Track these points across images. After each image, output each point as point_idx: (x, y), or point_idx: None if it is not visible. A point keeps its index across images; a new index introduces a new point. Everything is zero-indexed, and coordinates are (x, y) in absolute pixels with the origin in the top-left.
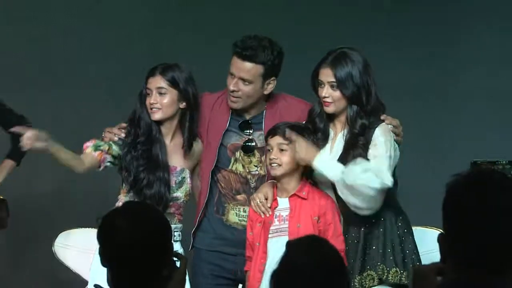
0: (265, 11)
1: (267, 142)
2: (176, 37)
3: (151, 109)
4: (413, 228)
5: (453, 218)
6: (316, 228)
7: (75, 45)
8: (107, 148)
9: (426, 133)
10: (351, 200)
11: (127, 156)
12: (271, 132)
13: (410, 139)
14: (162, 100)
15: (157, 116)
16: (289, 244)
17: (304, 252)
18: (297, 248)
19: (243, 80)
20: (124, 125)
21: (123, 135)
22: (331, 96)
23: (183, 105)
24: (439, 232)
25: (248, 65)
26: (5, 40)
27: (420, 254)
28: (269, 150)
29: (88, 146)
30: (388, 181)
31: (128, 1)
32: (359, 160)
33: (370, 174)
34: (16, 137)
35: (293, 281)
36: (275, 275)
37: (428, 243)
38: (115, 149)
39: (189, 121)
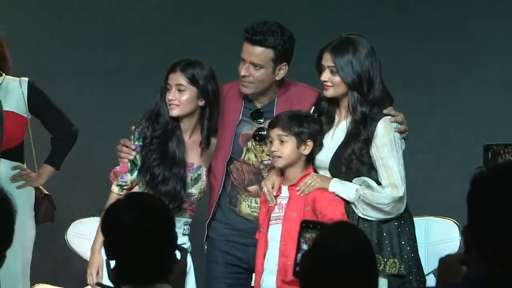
0: (278, 2)
1: (269, 134)
2: (190, 28)
3: (170, 105)
4: (425, 218)
5: (478, 211)
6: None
7: (86, 39)
8: (129, 183)
9: (438, 121)
10: (373, 214)
11: (143, 152)
12: (272, 124)
13: (422, 126)
14: (180, 97)
15: (175, 112)
16: (323, 227)
17: (338, 233)
18: (331, 230)
19: (254, 65)
20: (133, 127)
21: (134, 153)
22: (330, 80)
23: (202, 102)
24: (450, 222)
25: (258, 49)
26: (20, 30)
27: (430, 244)
28: (270, 142)
29: (114, 182)
30: (401, 192)
31: None
32: (366, 179)
33: (380, 191)
34: (56, 142)
35: (327, 262)
36: (308, 256)
37: (437, 233)
38: (138, 163)
39: (208, 119)
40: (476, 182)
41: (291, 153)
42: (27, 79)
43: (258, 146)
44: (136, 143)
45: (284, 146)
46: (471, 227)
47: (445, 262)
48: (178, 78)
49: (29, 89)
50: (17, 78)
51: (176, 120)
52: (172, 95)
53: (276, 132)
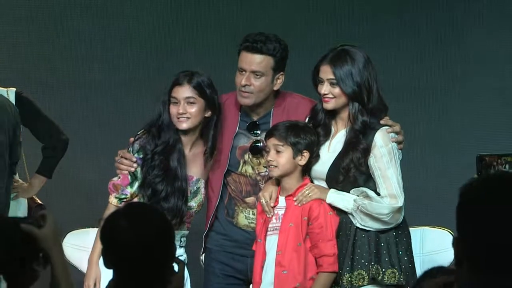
0: (273, 10)
1: (266, 143)
2: (186, 36)
3: (178, 118)
4: (420, 228)
5: (468, 222)
6: (305, 229)
7: (83, 45)
8: (129, 196)
9: (431, 131)
10: (372, 224)
11: (144, 168)
12: (269, 133)
13: (416, 136)
14: (190, 109)
15: (185, 125)
16: None
17: None
18: None
19: (255, 73)
20: (131, 139)
21: (135, 165)
22: (331, 92)
23: (208, 113)
24: (445, 232)
25: (258, 57)
26: (12, 40)
27: (425, 254)
28: (267, 151)
29: (112, 194)
30: (400, 202)
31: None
32: (365, 189)
33: (380, 201)
34: (47, 150)
35: None
36: None
37: (432, 243)
38: (138, 175)
39: (213, 128)
40: (465, 193)
41: (286, 163)
42: (14, 89)
43: (254, 158)
44: (136, 155)
45: (280, 156)
46: (462, 238)
47: (430, 286)
48: (187, 91)
49: (16, 99)
50: (5, 89)
51: (177, 134)
52: (182, 109)
53: (272, 141)
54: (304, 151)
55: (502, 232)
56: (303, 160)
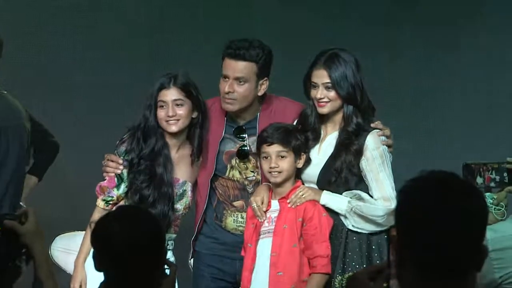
0: (269, 11)
1: (263, 150)
2: (176, 38)
3: (167, 121)
4: None
5: (404, 223)
6: (300, 230)
7: (73, 47)
8: (115, 199)
9: (419, 136)
10: (364, 226)
11: (131, 173)
12: (267, 140)
13: (403, 141)
14: (179, 111)
15: (174, 128)
16: None
17: None
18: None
19: (238, 80)
20: (117, 143)
21: (121, 167)
22: (326, 96)
23: (195, 115)
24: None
25: (242, 64)
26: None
27: None
28: (265, 158)
29: (99, 196)
30: (393, 204)
31: (128, 3)
32: (358, 191)
33: (374, 203)
34: (38, 153)
35: None
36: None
37: None
38: (125, 178)
39: (199, 129)
40: (401, 195)
41: (290, 168)
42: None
43: (241, 163)
44: (122, 157)
45: (284, 161)
46: (400, 239)
47: (354, 279)
48: (175, 93)
49: None
50: None
51: (163, 138)
52: (171, 111)
53: (275, 148)
54: (302, 154)
55: (435, 232)
56: (300, 163)
